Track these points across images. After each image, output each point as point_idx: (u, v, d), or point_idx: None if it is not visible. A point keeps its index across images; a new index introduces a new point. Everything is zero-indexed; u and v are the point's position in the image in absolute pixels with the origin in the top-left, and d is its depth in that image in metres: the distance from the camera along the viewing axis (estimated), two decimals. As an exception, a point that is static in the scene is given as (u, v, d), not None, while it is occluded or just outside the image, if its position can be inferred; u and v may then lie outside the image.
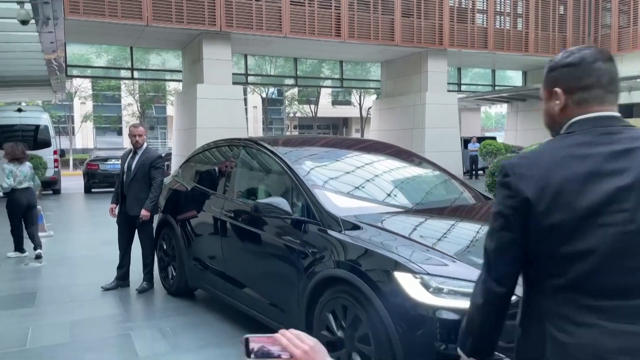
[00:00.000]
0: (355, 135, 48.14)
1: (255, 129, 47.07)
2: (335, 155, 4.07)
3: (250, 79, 23.66)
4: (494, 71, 26.64)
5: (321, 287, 2.98)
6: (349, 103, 49.68)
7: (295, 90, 43.36)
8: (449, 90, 21.93)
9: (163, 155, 5.67)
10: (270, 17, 17.11)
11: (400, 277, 2.58)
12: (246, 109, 52.16)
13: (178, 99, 19.84)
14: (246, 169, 4.29)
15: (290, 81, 25.32)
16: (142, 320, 4.55)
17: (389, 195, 3.60)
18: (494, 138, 24.35)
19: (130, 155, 5.48)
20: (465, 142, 22.15)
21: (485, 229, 3.29)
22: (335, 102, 51.74)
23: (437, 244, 2.87)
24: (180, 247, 4.61)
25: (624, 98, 21.92)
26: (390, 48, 19.66)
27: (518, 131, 26.43)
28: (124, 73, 21.68)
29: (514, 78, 27.52)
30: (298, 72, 23.84)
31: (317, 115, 43.97)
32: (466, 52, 20.66)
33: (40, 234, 7.50)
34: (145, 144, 5.44)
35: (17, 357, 3.76)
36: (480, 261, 2.64)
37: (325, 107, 49.07)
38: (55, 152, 16.55)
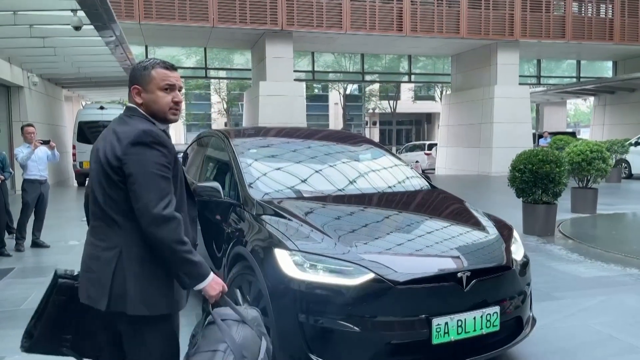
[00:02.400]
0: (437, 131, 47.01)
1: (336, 125, 47.64)
2: (285, 146, 4.28)
3: (317, 76, 24.09)
4: (579, 62, 24.87)
5: (232, 264, 3.22)
6: (432, 98, 48.63)
7: (376, 86, 43.32)
8: (522, 84, 20.89)
9: None
10: (331, 14, 17.41)
11: (278, 253, 2.77)
12: (327, 105, 53.06)
13: (247, 97, 20.82)
14: (211, 157, 4.53)
15: (357, 77, 25.44)
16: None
17: (322, 182, 3.74)
18: (572, 134, 22.74)
19: None
20: (538, 137, 20.97)
21: (395, 214, 3.39)
22: (417, 97, 50.87)
23: (326, 225, 3.01)
24: None
25: None
26: (457, 41, 19.13)
27: (605, 126, 24.45)
28: (199, 72, 23.08)
29: (603, 68, 25.49)
30: (365, 68, 23.93)
31: (396, 111, 43.57)
32: (542, 42, 19.53)
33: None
34: None
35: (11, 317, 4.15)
36: (365, 242, 2.88)
37: (406, 103, 48.39)
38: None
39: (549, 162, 6.98)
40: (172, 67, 1.97)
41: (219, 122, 50.72)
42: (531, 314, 3.18)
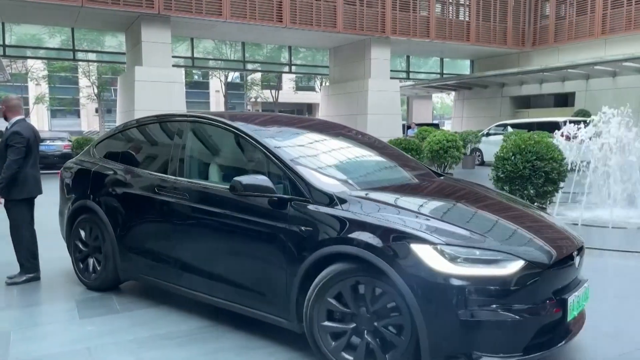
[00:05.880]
0: (317, 121, 48.23)
1: (216, 113, 46.81)
2: (296, 133, 3.91)
3: (197, 62, 23.65)
4: (442, 60, 27.26)
5: (318, 267, 2.85)
6: (312, 89, 49.89)
7: (258, 75, 43.37)
8: (393, 78, 22.42)
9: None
10: (211, 1, 17.20)
11: (419, 249, 2.56)
12: (208, 93, 51.98)
13: (121, 82, 19.81)
14: (199, 148, 3.94)
15: (239, 65, 25.41)
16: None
17: (360, 173, 3.60)
18: (436, 125, 25.03)
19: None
20: (407, 128, 22.78)
21: (479, 203, 3.27)
22: (298, 88, 51.84)
23: (442, 216, 2.91)
24: (110, 236, 4.06)
25: (558, 88, 22.85)
26: (333, 35, 19.98)
27: (464, 118, 27.22)
28: (65, 54, 21.44)
29: (463, 66, 28.23)
30: (247, 56, 23.99)
31: (278, 101, 44.07)
32: (410, 40, 21.13)
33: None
34: (15, 119, 4.68)
35: None
36: (487, 230, 2.72)
37: (288, 93, 49.16)
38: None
39: (410, 150, 7.82)
40: None
41: (88, 107, 47.22)
42: None
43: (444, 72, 27.33)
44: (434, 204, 3.20)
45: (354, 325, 2.74)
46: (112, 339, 3.36)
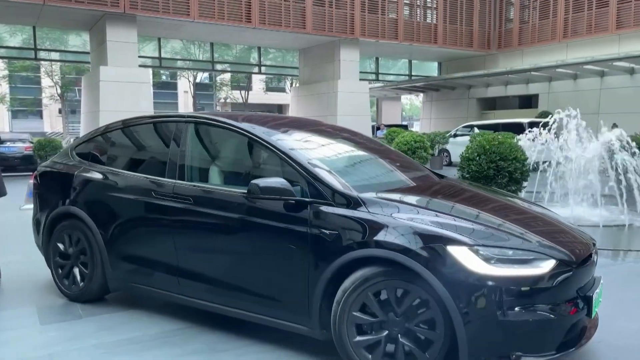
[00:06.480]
0: (288, 122, 48.09)
1: (185, 114, 46.16)
2: (304, 134, 3.78)
3: (165, 63, 23.32)
4: (410, 62, 27.62)
5: (343, 271, 2.77)
6: (282, 90, 49.78)
7: (227, 75, 43.00)
8: (362, 79, 22.60)
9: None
10: (178, 0, 16.98)
11: (456, 250, 2.55)
12: (176, 93, 51.26)
13: (85, 82, 19.37)
14: (201, 150, 3.77)
15: (207, 66, 25.17)
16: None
17: (375, 174, 3.55)
18: (405, 126, 25.34)
19: None
20: (376, 129, 23.00)
21: (493, 202, 3.32)
22: (268, 89, 51.65)
23: (466, 216, 2.88)
24: (98, 243, 3.83)
25: (522, 90, 23.46)
26: (303, 36, 20.01)
27: (432, 119, 27.65)
28: (27, 53, 20.82)
29: (431, 68, 28.67)
30: (216, 57, 23.78)
31: (248, 102, 43.80)
32: (379, 42, 21.34)
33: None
34: None
35: None
36: (513, 229, 2.73)
37: (258, 93, 48.91)
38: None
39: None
40: None
41: (51, 108, 45.89)
42: None
43: (413, 74, 27.69)
44: (459, 205, 3.17)
45: (386, 331, 2.69)
46: (75, 345, 3.28)
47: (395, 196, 3.03)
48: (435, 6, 22.73)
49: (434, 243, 2.59)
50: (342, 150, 3.81)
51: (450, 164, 18.71)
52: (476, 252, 2.54)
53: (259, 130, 3.41)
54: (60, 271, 4.16)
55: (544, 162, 7.74)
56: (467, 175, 7.17)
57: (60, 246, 4.13)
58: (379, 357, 2.68)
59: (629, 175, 7.12)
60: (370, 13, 20.83)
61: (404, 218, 2.74)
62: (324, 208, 2.90)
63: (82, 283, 4.00)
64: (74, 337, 3.41)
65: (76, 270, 4.04)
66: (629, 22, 19.27)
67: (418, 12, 22.52)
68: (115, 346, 3.26)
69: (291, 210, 2.98)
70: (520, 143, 7.71)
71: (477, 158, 7.12)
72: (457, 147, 17.08)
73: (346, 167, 3.52)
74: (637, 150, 7.22)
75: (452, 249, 2.55)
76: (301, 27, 19.41)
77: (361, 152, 3.88)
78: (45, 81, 40.67)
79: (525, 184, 7.41)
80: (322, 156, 3.46)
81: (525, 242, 2.67)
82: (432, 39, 22.62)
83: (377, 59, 26.45)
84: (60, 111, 42.95)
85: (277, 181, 2.97)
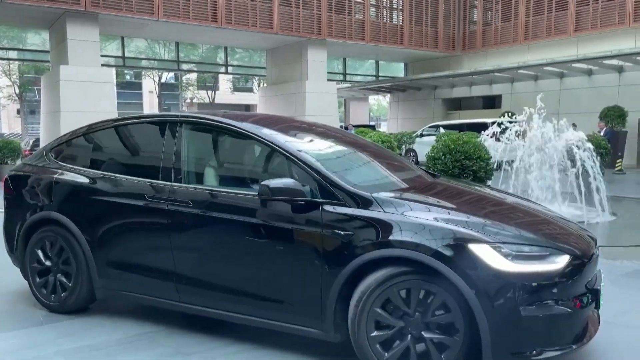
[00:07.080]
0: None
1: (151, 114, 45.34)
2: (306, 136, 3.73)
3: (129, 62, 22.83)
4: (377, 62, 27.85)
5: (360, 273, 2.75)
6: (250, 90, 49.45)
7: (193, 75, 42.43)
8: (330, 80, 22.66)
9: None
10: (141, -1, 16.65)
11: (478, 248, 2.57)
12: (141, 93, 50.26)
13: (45, 81, 18.77)
14: (199, 151, 3.65)
15: (173, 65, 24.79)
16: None
17: (381, 175, 3.52)
18: (372, 127, 25.55)
19: None
20: (344, 129, 23.09)
21: (498, 199, 3.44)
22: (236, 89, 51.23)
23: (480, 214, 2.93)
24: (83, 250, 3.64)
25: (486, 90, 23.98)
26: (270, 36, 19.91)
27: (399, 120, 27.95)
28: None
29: (398, 69, 28.98)
30: (181, 56, 23.44)
31: (215, 102, 43.35)
32: (346, 43, 21.43)
33: None
34: None
35: None
36: (522, 225, 2.81)
37: (225, 94, 48.46)
38: None
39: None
40: None
41: (9, 108, 44.30)
42: None
43: (380, 74, 27.93)
44: (473, 203, 3.20)
45: (408, 329, 2.68)
46: (35, 353, 3.18)
47: (408, 195, 3.05)
48: (401, 7, 22.98)
49: (455, 242, 2.60)
50: (344, 150, 3.79)
51: (417, 163, 18.96)
52: (498, 250, 2.57)
53: (264, 132, 3.32)
54: (38, 280, 3.89)
55: (506, 161, 7.93)
56: (433, 174, 7.27)
57: (40, 254, 3.87)
58: (396, 356, 2.68)
59: (587, 173, 7.37)
60: (337, 14, 20.90)
61: (421, 217, 2.74)
62: (337, 208, 2.87)
63: (65, 293, 3.76)
64: (33, 344, 3.30)
65: (57, 279, 3.80)
66: (587, 25, 19.93)
67: (384, 13, 22.72)
68: (76, 353, 3.17)
69: (302, 211, 2.93)
70: (485, 143, 7.88)
71: (443, 157, 7.24)
72: (424, 147, 17.33)
73: (353, 167, 3.51)
74: (593, 149, 7.48)
75: (474, 247, 2.57)
76: (268, 27, 19.31)
77: (362, 153, 3.89)
78: (3, 80, 39.23)
79: (489, 182, 7.57)
80: (330, 157, 3.47)
81: (540, 238, 2.74)
82: (398, 40, 22.87)
83: (344, 59, 26.57)
84: (18, 112, 41.52)
85: (287, 181, 2.92)
